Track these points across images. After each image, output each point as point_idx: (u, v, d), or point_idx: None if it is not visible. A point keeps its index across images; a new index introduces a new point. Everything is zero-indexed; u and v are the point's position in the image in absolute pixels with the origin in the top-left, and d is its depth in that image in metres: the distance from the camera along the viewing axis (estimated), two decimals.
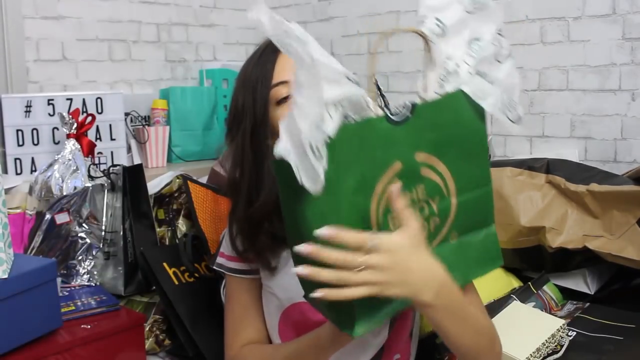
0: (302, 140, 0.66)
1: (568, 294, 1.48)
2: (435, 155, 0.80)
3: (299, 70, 0.66)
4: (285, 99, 1.00)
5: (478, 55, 0.82)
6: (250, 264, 1.12)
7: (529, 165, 1.53)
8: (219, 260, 1.17)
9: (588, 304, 1.41)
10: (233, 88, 1.07)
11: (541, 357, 1.18)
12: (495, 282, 1.52)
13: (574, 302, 1.44)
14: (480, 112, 0.84)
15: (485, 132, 0.86)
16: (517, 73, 0.85)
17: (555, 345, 1.20)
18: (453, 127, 0.81)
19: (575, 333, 1.26)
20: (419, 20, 0.81)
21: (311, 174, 0.67)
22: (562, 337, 1.22)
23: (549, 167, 1.50)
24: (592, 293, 1.47)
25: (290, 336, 1.08)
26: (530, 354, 1.16)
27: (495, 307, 1.32)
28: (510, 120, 0.85)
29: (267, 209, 1.00)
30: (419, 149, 0.78)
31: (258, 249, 1.05)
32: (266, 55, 1.02)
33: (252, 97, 1.01)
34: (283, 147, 0.67)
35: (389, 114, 0.75)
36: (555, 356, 1.19)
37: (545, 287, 1.44)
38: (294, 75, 0.67)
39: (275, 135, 0.98)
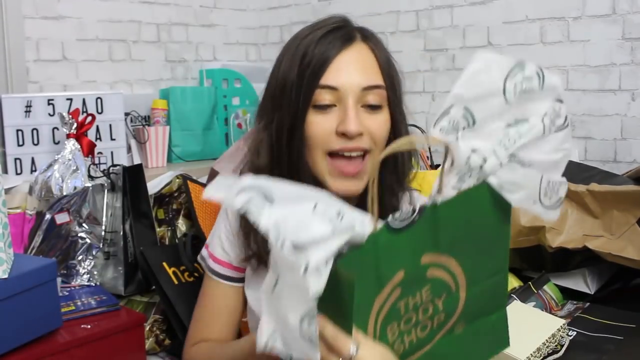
0: (291, 331, 0.58)
1: (568, 294, 1.48)
2: (446, 253, 0.70)
3: (276, 256, 0.56)
4: (323, 107, 0.87)
5: (516, 143, 0.66)
6: (238, 272, 1.06)
7: None
8: (204, 253, 1.10)
9: (588, 304, 1.41)
10: (282, 51, 0.92)
11: (541, 357, 1.18)
12: None
13: (574, 302, 1.44)
14: (504, 206, 0.70)
15: (509, 227, 0.73)
16: (570, 143, 0.69)
17: (556, 345, 1.20)
18: (470, 225, 0.70)
19: (575, 333, 1.26)
20: (444, 110, 0.66)
21: (305, 355, 0.60)
22: (562, 337, 1.22)
23: None
24: (592, 293, 1.46)
25: None
26: (531, 354, 1.16)
27: None
28: (547, 208, 0.69)
29: None
30: (426, 251, 0.68)
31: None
32: (332, 40, 0.87)
33: (298, 79, 0.87)
34: (265, 341, 0.59)
35: (390, 223, 0.64)
36: (556, 356, 1.19)
37: (545, 287, 1.44)
38: (272, 257, 0.56)
39: (305, 141, 0.87)
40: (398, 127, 0.92)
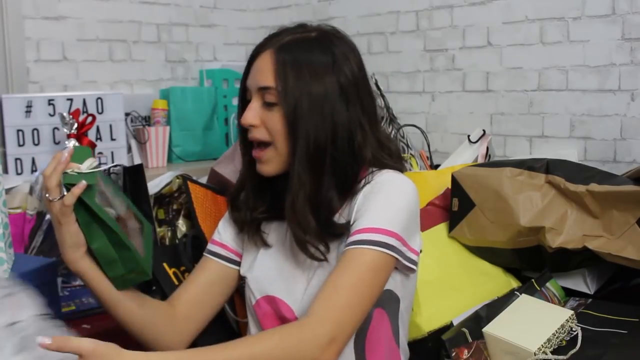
0: None
1: (568, 294, 1.48)
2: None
3: None
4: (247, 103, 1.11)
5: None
6: (226, 250, 1.17)
7: (529, 165, 1.53)
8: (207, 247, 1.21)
9: (590, 300, 1.41)
10: (356, 57, 1.09)
11: (552, 348, 1.18)
12: (494, 282, 1.52)
13: (576, 299, 1.44)
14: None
15: None
16: None
17: (564, 337, 1.21)
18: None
19: (579, 328, 1.27)
20: None
21: None
22: (572, 327, 1.23)
23: (548, 167, 1.50)
24: (592, 293, 1.47)
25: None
26: (542, 345, 1.17)
27: (499, 304, 1.33)
28: None
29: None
30: None
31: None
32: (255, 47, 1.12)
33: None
34: None
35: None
36: (573, 351, 1.18)
37: (548, 284, 1.45)
38: None
39: None
40: (296, 123, 1.03)
